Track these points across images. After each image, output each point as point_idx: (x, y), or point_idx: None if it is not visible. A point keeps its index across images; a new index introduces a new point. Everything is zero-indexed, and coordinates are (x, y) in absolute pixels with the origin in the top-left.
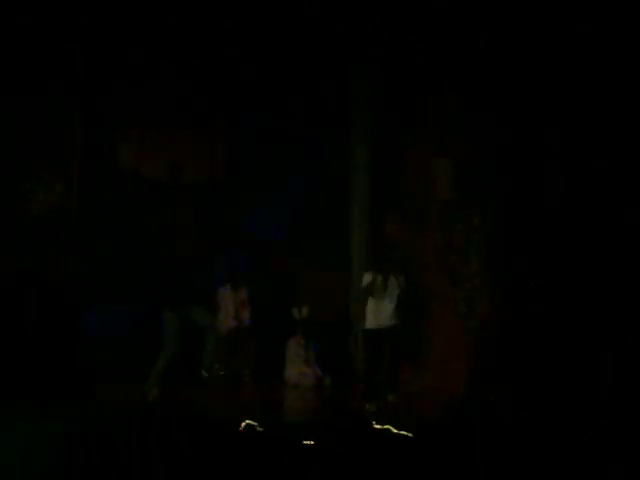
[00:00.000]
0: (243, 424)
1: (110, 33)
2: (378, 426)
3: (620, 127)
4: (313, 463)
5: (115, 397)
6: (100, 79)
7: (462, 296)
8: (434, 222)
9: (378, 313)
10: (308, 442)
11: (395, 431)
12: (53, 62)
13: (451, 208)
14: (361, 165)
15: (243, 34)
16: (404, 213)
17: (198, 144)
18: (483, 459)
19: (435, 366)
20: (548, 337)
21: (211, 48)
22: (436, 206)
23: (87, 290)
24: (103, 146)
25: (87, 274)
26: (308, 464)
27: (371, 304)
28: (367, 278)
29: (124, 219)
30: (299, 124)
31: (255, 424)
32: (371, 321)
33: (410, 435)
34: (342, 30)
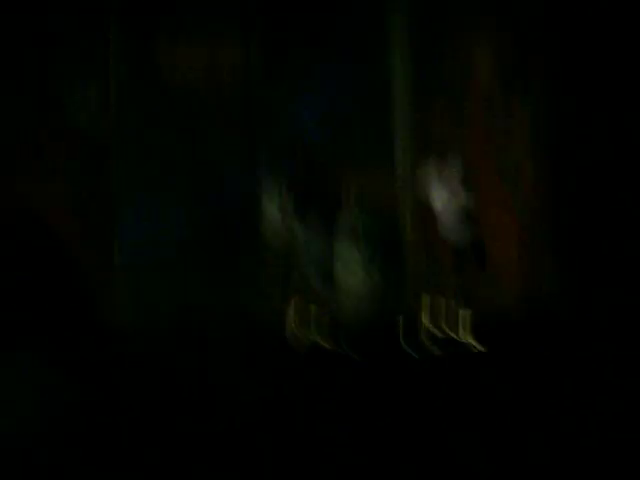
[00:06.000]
0: (307, 341)
1: None
2: (452, 336)
3: None
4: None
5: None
6: None
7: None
8: (477, 107)
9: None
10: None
11: (473, 343)
12: None
13: (493, 92)
14: (402, 56)
15: None
16: (446, 101)
17: (234, 44)
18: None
19: (494, 264)
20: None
21: None
22: (478, 89)
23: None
24: (138, 52)
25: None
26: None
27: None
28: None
29: (164, 130)
30: (335, 21)
31: (319, 340)
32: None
33: (484, 350)
34: None
